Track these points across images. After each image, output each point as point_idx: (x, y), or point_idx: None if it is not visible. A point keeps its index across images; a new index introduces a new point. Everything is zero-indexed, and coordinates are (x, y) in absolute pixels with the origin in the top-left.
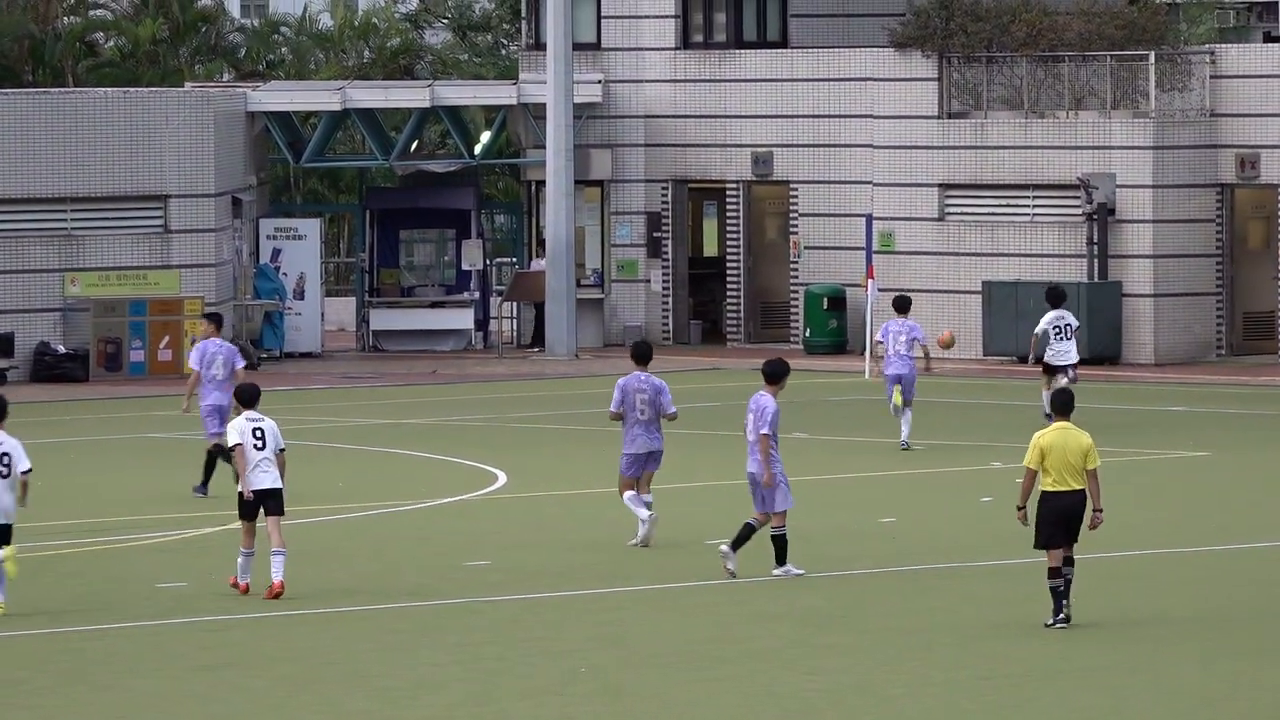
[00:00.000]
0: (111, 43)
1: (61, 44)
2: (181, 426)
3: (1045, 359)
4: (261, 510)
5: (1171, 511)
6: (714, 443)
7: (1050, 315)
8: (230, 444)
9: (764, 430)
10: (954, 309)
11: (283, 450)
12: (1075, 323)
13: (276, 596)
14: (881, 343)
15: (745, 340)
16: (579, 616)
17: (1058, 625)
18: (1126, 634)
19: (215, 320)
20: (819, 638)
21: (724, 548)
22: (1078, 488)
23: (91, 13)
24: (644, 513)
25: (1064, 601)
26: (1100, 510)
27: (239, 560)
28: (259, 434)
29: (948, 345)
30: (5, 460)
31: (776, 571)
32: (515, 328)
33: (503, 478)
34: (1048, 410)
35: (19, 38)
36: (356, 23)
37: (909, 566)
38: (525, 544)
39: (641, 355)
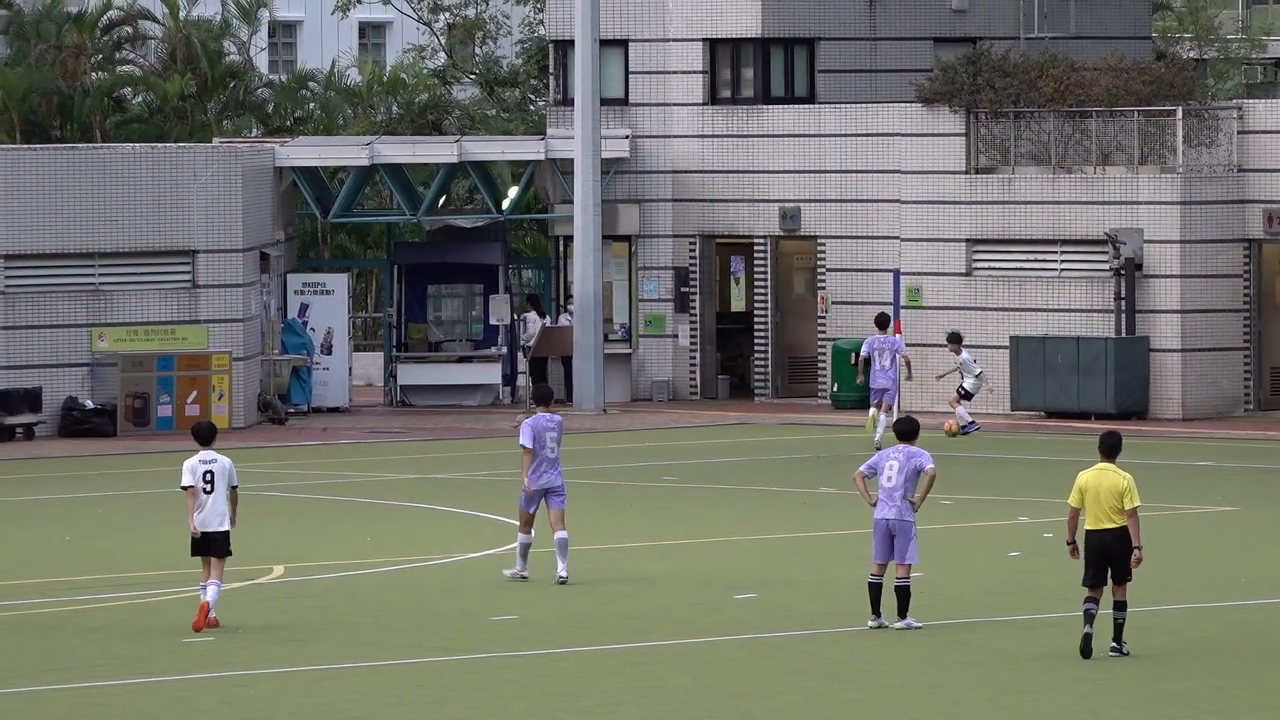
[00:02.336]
0: (140, 98)
1: (90, 100)
2: None
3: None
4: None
5: (1200, 566)
6: (740, 498)
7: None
8: (182, 484)
9: (929, 466)
10: (981, 363)
11: (235, 487)
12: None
13: (206, 619)
14: (866, 358)
15: (773, 395)
16: (605, 671)
17: (1085, 638)
18: (1154, 688)
19: None
20: (845, 693)
21: (871, 624)
22: (1111, 526)
23: (120, 69)
24: (521, 568)
25: (1092, 621)
26: (1139, 548)
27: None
28: (209, 477)
29: (953, 434)
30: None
31: (899, 624)
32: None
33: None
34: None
35: (47, 94)
36: (384, 78)
37: (936, 621)
38: (552, 598)
39: (543, 397)
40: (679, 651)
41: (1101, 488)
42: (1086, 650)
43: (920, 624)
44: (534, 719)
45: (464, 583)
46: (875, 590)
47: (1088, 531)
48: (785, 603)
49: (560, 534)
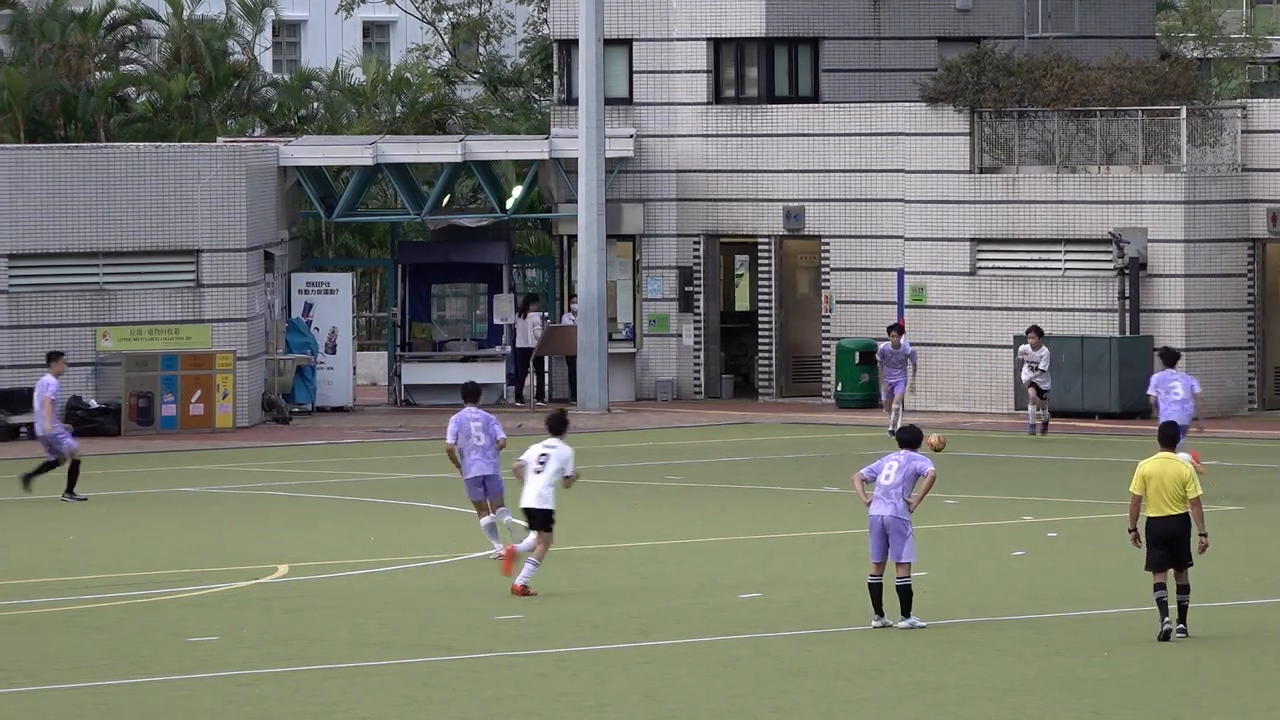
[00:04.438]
0: (144, 98)
1: (94, 99)
2: (215, 481)
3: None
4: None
5: (1203, 566)
6: (744, 497)
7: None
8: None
9: (929, 469)
10: (985, 363)
11: (568, 476)
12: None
13: (513, 562)
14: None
15: (777, 394)
16: (610, 671)
17: (1164, 633)
18: (1158, 688)
19: None
20: (851, 692)
21: (875, 624)
22: (1175, 513)
23: (124, 68)
24: (499, 547)
25: (1167, 610)
26: (1205, 535)
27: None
28: (543, 459)
29: (938, 448)
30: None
31: (902, 624)
32: (549, 382)
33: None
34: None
35: (51, 93)
36: (389, 77)
37: (940, 620)
38: (557, 597)
39: (470, 393)
40: (684, 651)
41: (1165, 476)
42: (1165, 638)
43: (924, 623)
44: (538, 718)
45: (468, 582)
46: (875, 590)
47: (1150, 519)
48: (790, 602)
49: (498, 514)
